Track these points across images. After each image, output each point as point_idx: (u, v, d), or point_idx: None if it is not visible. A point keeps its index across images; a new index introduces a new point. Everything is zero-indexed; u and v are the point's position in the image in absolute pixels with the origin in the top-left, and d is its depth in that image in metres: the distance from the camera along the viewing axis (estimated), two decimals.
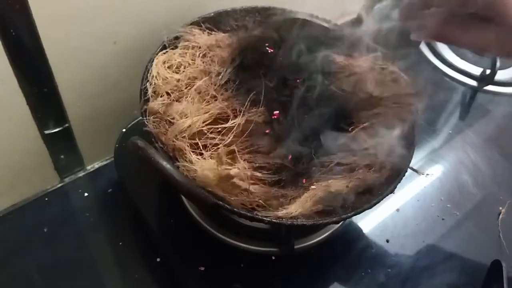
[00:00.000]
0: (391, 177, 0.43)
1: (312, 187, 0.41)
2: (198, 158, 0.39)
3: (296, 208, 0.39)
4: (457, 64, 0.79)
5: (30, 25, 0.45)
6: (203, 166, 0.38)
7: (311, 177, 0.42)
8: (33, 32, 0.45)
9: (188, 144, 0.40)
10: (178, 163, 0.39)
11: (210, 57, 0.49)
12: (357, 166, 0.43)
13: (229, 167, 0.38)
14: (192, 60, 0.48)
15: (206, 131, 0.41)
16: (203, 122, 0.42)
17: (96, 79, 0.55)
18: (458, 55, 0.81)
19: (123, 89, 0.56)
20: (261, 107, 0.44)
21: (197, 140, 0.41)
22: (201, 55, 0.48)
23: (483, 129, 0.70)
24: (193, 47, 0.49)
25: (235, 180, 0.38)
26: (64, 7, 0.46)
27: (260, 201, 0.39)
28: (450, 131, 0.69)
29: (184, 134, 0.41)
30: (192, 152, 0.40)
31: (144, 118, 0.42)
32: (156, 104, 0.43)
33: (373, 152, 0.43)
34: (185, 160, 0.39)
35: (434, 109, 0.72)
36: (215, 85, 0.45)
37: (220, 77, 0.46)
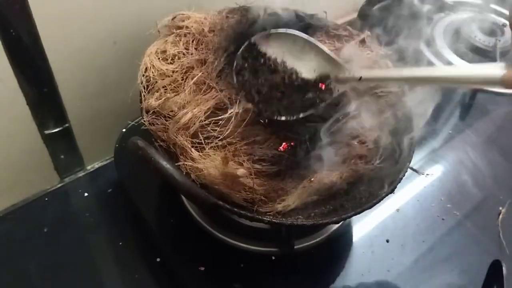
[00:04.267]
0: (390, 175, 0.43)
1: (309, 178, 0.41)
2: (200, 154, 0.39)
3: (294, 200, 0.39)
4: (457, 64, 0.79)
5: (30, 25, 0.45)
6: (208, 165, 0.38)
7: (307, 168, 0.42)
8: (33, 32, 0.45)
9: (190, 142, 0.40)
10: (181, 162, 0.39)
11: (204, 43, 0.48)
12: (350, 157, 0.43)
13: (236, 166, 0.38)
14: (186, 49, 0.47)
15: (206, 124, 0.41)
16: (204, 114, 0.42)
17: (96, 79, 0.55)
18: (458, 55, 0.81)
19: (123, 89, 0.56)
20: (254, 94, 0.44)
21: (199, 135, 0.41)
22: (194, 42, 0.47)
23: (483, 129, 0.70)
24: (185, 35, 0.48)
25: (241, 179, 0.38)
26: (64, 7, 0.46)
27: (262, 197, 0.39)
28: (450, 131, 0.69)
29: (186, 131, 0.41)
30: (193, 148, 0.40)
31: (143, 117, 0.42)
32: (152, 100, 0.43)
33: (363, 139, 0.44)
34: (187, 157, 0.39)
35: (434, 109, 0.72)
36: (211, 74, 0.45)
37: (215, 65, 0.46)
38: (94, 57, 0.53)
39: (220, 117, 0.42)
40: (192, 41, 0.47)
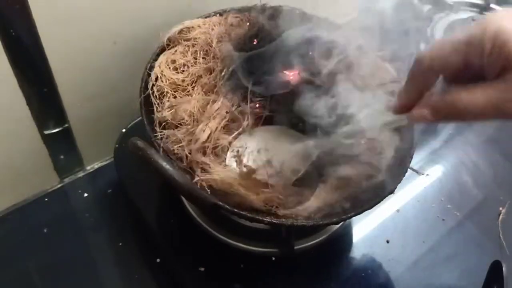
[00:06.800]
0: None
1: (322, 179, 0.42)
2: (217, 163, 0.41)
3: (314, 201, 0.40)
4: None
5: (30, 25, 0.45)
6: (223, 172, 0.39)
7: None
8: (33, 32, 0.45)
9: (213, 156, 0.42)
10: (197, 178, 0.40)
11: (211, 53, 0.49)
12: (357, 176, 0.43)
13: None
14: (194, 58, 0.49)
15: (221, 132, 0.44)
16: (219, 127, 0.44)
17: (96, 79, 0.55)
18: None
19: (123, 89, 0.56)
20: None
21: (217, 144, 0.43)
22: (202, 53, 0.49)
23: (483, 129, 0.70)
24: (193, 45, 0.49)
25: (256, 175, 0.38)
26: (64, 7, 0.46)
27: (280, 196, 0.39)
28: (450, 131, 0.69)
29: (206, 149, 0.43)
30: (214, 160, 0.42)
31: (148, 125, 0.43)
32: (165, 111, 0.44)
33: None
34: (207, 171, 0.40)
35: None
36: (218, 81, 0.47)
37: (223, 74, 0.47)
38: (94, 57, 0.53)
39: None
40: (200, 52, 0.49)
